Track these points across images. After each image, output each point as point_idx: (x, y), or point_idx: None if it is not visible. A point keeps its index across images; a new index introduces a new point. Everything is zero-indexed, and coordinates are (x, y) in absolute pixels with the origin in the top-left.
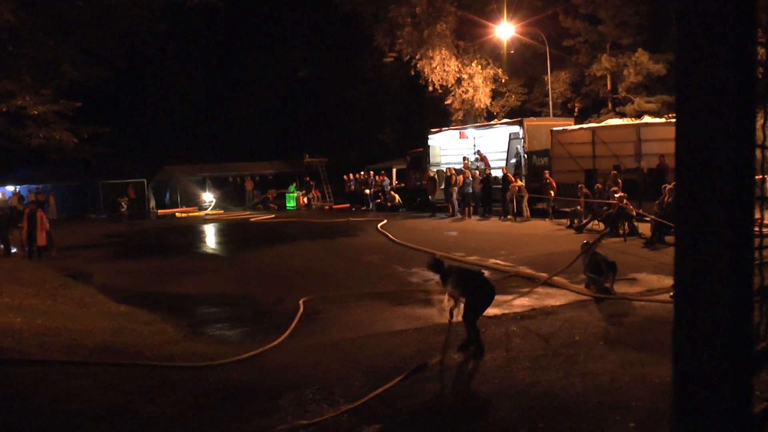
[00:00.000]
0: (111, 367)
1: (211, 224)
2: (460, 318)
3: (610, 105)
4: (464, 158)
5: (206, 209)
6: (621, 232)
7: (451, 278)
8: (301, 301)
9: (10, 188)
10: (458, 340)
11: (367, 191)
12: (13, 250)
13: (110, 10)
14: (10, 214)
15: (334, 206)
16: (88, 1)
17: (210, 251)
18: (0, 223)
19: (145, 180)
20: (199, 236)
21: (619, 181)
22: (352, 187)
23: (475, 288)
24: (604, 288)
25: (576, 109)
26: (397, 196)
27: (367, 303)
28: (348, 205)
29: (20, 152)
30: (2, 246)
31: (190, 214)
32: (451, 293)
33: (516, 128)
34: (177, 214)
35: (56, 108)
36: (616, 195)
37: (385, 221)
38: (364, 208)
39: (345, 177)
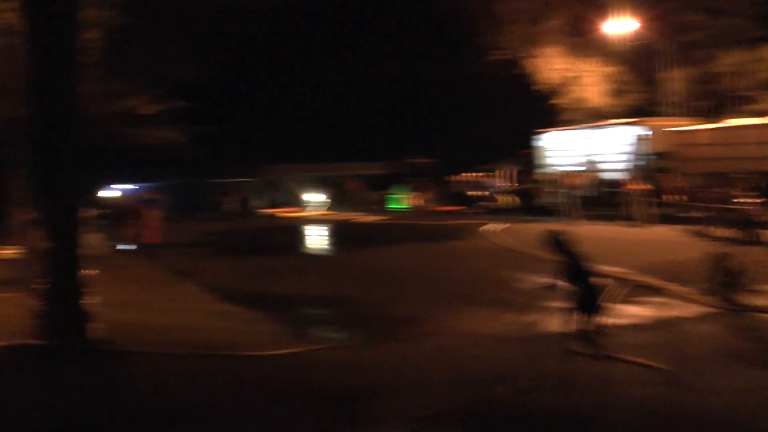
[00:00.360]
0: (214, 363)
1: (318, 225)
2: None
3: (735, 104)
4: (582, 160)
5: (314, 209)
6: (749, 239)
7: (564, 258)
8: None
9: (125, 186)
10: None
11: (475, 193)
12: (124, 247)
13: (213, 11)
14: (119, 212)
15: (442, 208)
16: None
17: (315, 252)
18: (111, 219)
19: (249, 179)
20: (305, 237)
21: (762, 185)
22: (459, 188)
23: (584, 280)
24: (733, 300)
25: (699, 109)
26: (507, 198)
27: (472, 308)
28: (458, 207)
29: (128, 151)
30: (112, 242)
31: (295, 215)
32: (558, 276)
33: (638, 129)
34: (280, 213)
35: (164, 108)
36: (744, 200)
37: (493, 224)
38: (472, 210)
39: (451, 178)
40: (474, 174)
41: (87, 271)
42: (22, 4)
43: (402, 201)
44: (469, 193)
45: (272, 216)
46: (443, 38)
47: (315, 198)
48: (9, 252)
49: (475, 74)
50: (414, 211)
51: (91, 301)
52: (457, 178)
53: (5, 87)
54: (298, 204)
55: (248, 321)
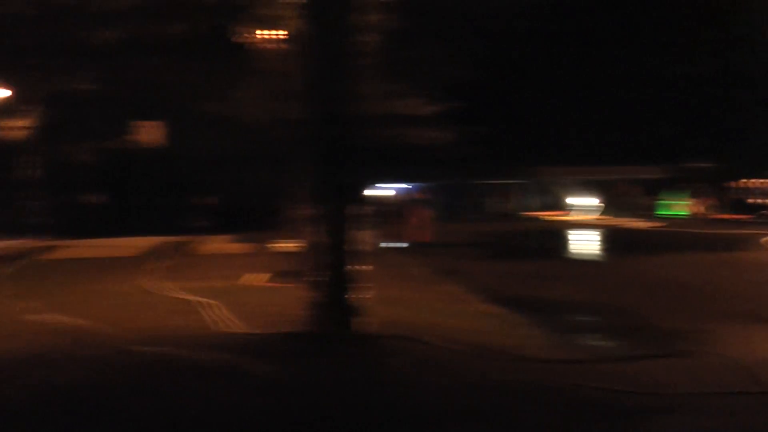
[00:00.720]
0: (481, 362)
1: (585, 229)
2: None
3: None
4: None
5: (581, 213)
6: None
7: None
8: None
9: (397, 186)
10: None
11: (758, 201)
12: (395, 245)
13: (487, 10)
14: (392, 211)
15: (720, 216)
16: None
17: (582, 257)
18: (383, 217)
19: (516, 181)
20: (571, 241)
21: None
22: (740, 195)
23: None
24: None
25: None
26: None
27: (752, 325)
28: (738, 215)
29: (400, 151)
30: (384, 240)
31: (562, 218)
32: None
33: None
34: (546, 217)
35: (436, 108)
36: None
37: None
38: (754, 219)
39: (730, 185)
40: (758, 180)
41: (361, 267)
42: (304, 11)
43: (676, 207)
44: (750, 200)
45: (538, 219)
46: (725, 33)
47: (582, 201)
48: (287, 245)
49: (760, 72)
50: (688, 219)
51: (363, 295)
52: (738, 184)
53: (288, 90)
54: (565, 207)
55: (512, 324)
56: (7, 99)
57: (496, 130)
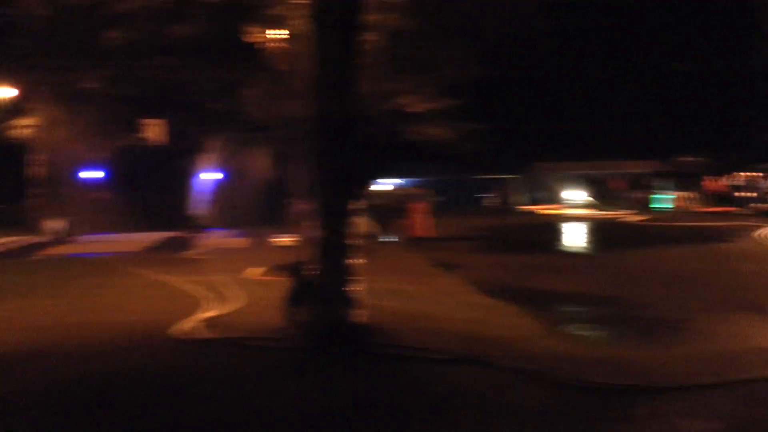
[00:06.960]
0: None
1: (578, 223)
2: None
3: None
4: None
5: (574, 207)
6: None
7: None
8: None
9: (395, 181)
10: None
11: (745, 194)
12: (390, 239)
13: (492, 12)
14: (389, 205)
15: (709, 209)
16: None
17: (575, 250)
18: (380, 212)
19: (511, 176)
20: (564, 234)
21: None
22: (728, 189)
23: None
24: None
25: None
26: None
27: (740, 314)
28: (726, 208)
29: (399, 147)
30: (380, 234)
31: (555, 212)
32: None
33: None
34: (540, 210)
35: (437, 106)
36: None
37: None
38: (743, 212)
39: (720, 178)
40: (746, 174)
41: (355, 260)
42: (309, 12)
43: (666, 201)
44: (738, 194)
45: (532, 213)
46: (719, 31)
47: (576, 196)
48: (285, 240)
49: (753, 69)
50: (678, 212)
51: (356, 288)
52: (728, 177)
53: (291, 89)
54: (559, 201)
55: (505, 314)
56: (15, 98)
57: (493, 126)
